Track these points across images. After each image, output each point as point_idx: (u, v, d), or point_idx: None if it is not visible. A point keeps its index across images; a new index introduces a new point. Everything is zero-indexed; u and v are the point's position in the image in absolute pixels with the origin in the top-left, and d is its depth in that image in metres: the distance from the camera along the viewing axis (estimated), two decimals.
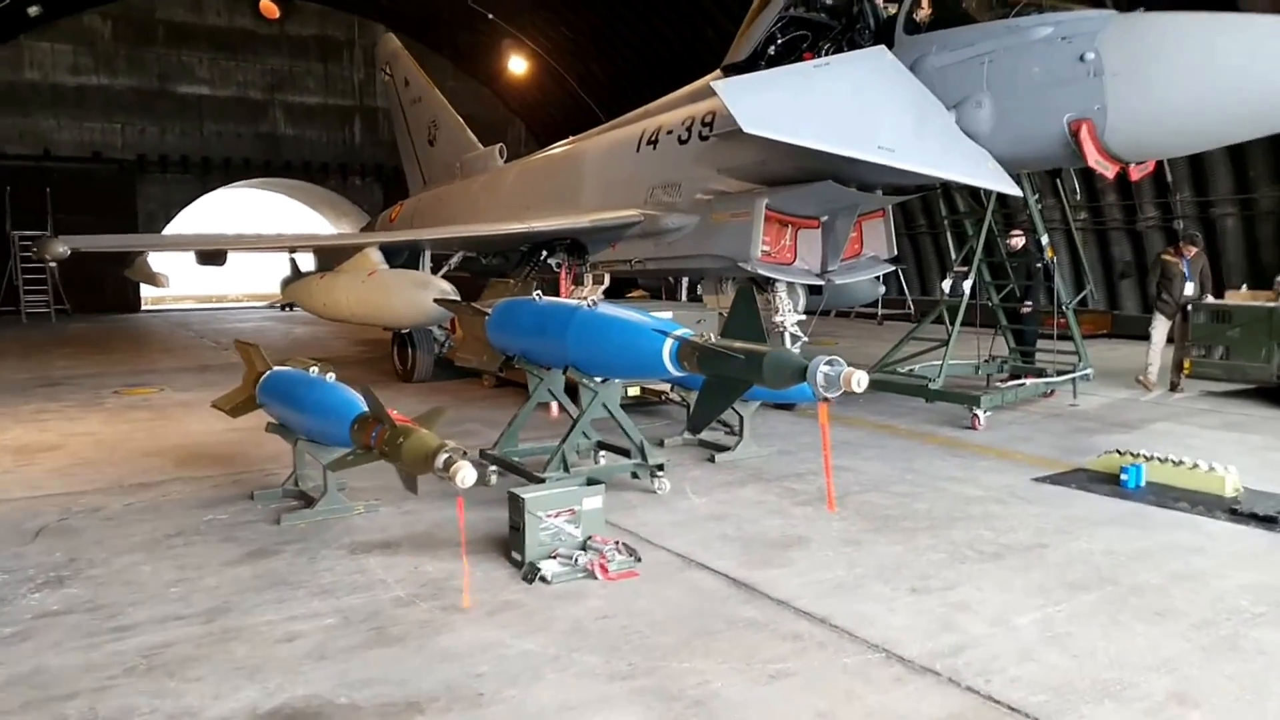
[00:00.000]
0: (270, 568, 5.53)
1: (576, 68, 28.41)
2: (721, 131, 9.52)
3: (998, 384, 10.67)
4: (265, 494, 6.95)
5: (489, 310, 7.77)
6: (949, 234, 11.47)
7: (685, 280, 12.96)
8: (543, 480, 6.55)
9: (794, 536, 6.02)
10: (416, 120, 18.11)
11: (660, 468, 7.01)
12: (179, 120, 28.66)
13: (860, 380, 4.61)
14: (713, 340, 5.48)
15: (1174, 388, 11.85)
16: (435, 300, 9.22)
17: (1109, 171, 7.36)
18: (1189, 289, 11.52)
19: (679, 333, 5.74)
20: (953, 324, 10.12)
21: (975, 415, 9.46)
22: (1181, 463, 7.12)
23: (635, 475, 7.10)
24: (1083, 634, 4.49)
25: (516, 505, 5.41)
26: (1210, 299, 11.56)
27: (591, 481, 5.72)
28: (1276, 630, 4.54)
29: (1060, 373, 10.85)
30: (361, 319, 11.72)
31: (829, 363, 4.78)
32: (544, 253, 11.79)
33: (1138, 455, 7.38)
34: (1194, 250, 11.57)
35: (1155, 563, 5.50)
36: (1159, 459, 7.24)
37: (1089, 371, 10.87)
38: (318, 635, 4.53)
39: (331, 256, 12.78)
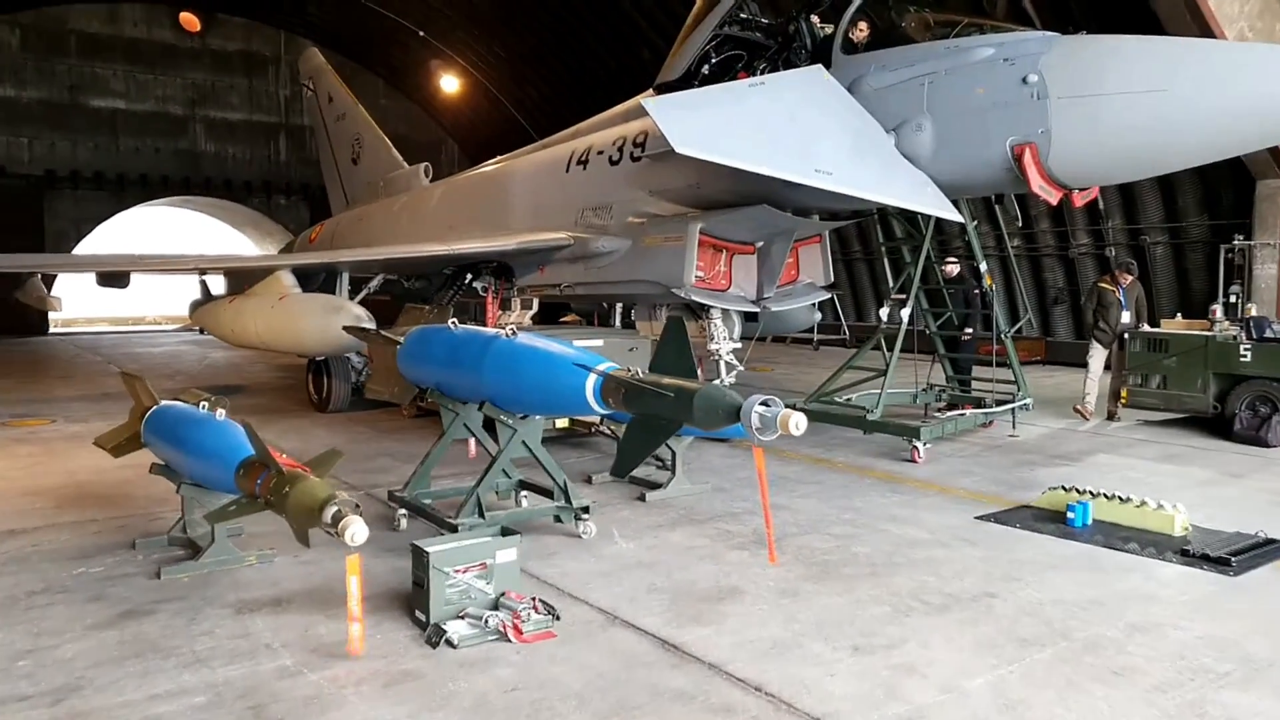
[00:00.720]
0: (140, 632, 4.88)
1: (511, 88, 27.95)
2: (654, 152, 9.12)
3: (936, 414, 10.40)
4: (148, 542, 6.28)
5: (400, 339, 7.22)
6: (886, 260, 11.20)
7: (619, 306, 12.51)
8: (455, 528, 5.99)
9: (728, 587, 5.56)
10: (340, 137, 17.42)
11: (585, 510, 6.51)
12: (92, 135, 27.41)
13: (798, 423, 4.18)
14: (640, 375, 5.01)
15: (1111, 417, 11.75)
16: (345, 328, 8.62)
17: (1052, 198, 7.11)
18: (1125, 317, 11.45)
19: (603, 367, 5.27)
20: (890, 352, 9.84)
21: (915, 448, 9.15)
22: (1129, 500, 6.85)
23: (558, 519, 6.58)
24: (1039, 700, 4.10)
25: (420, 560, 4.86)
26: (1146, 327, 11.49)
27: (507, 531, 5.20)
28: (1244, 693, 4.21)
29: (999, 402, 10.64)
30: (271, 346, 11.03)
31: (764, 402, 4.35)
32: (469, 276, 11.24)
33: (1083, 492, 7.10)
34: (1129, 278, 11.51)
35: (1109, 613, 5.16)
36: (1105, 496, 6.97)
37: (1028, 401, 10.68)
38: None
39: (242, 279, 12.07)
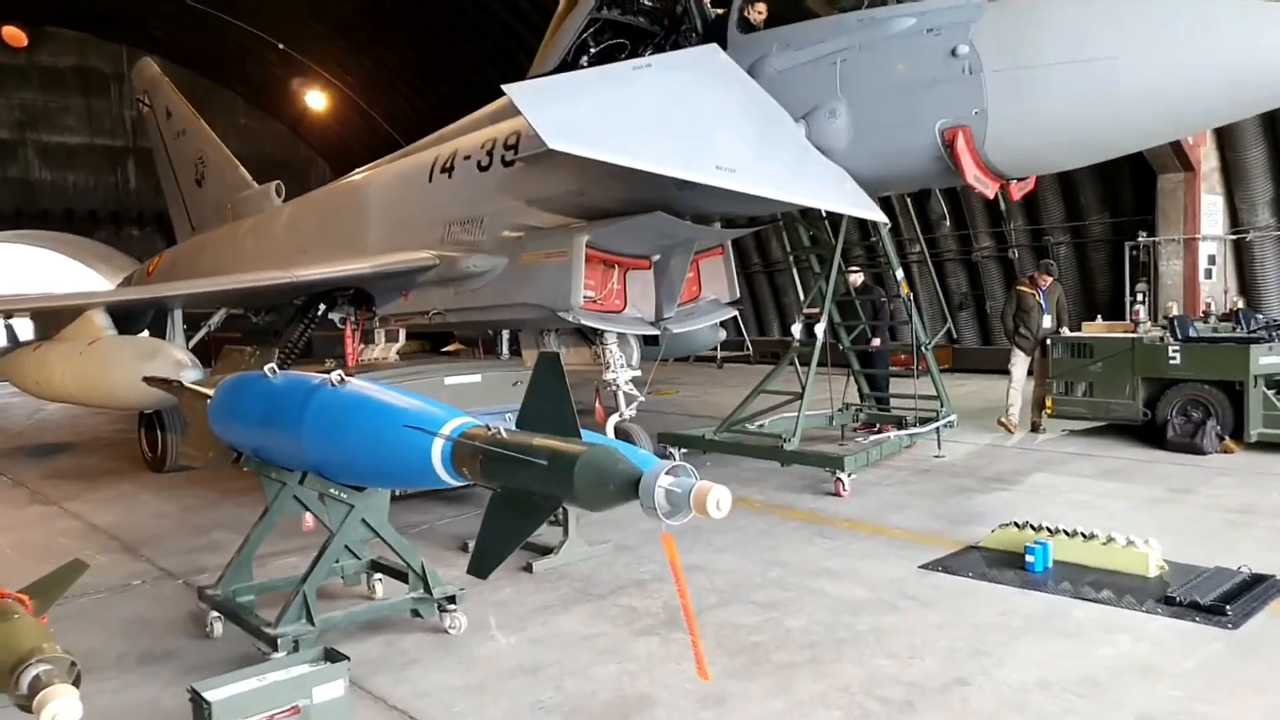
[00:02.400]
0: None
1: (384, 103, 26.24)
2: (528, 154, 7.86)
3: (857, 438, 9.39)
4: None
5: (210, 392, 5.75)
6: (795, 271, 10.18)
7: (505, 332, 11.14)
8: (274, 641, 4.56)
9: (636, 696, 4.30)
10: (181, 157, 15.55)
11: (451, 600, 5.15)
12: None
13: (720, 502, 2.97)
14: (503, 434, 3.72)
15: (1035, 428, 11.01)
16: (145, 378, 7.05)
17: (988, 190, 6.14)
18: (1046, 321, 10.73)
19: (453, 426, 3.95)
20: (806, 373, 8.79)
21: (839, 480, 8.09)
22: (1093, 537, 5.89)
23: (417, 613, 5.20)
24: None
25: (200, 710, 3.45)
26: (1067, 332, 10.79)
27: (332, 656, 3.82)
28: None
29: (923, 420, 9.72)
30: (81, 400, 9.29)
31: (672, 471, 3.12)
32: (322, 306, 9.72)
33: (1039, 529, 6.13)
34: (1049, 280, 10.80)
35: (1111, 701, 4.11)
36: (1066, 533, 6.00)
37: (952, 418, 9.81)
38: None
39: (52, 322, 10.22)
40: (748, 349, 20.59)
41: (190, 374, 7.71)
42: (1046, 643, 4.75)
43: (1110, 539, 5.81)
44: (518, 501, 3.63)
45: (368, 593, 5.87)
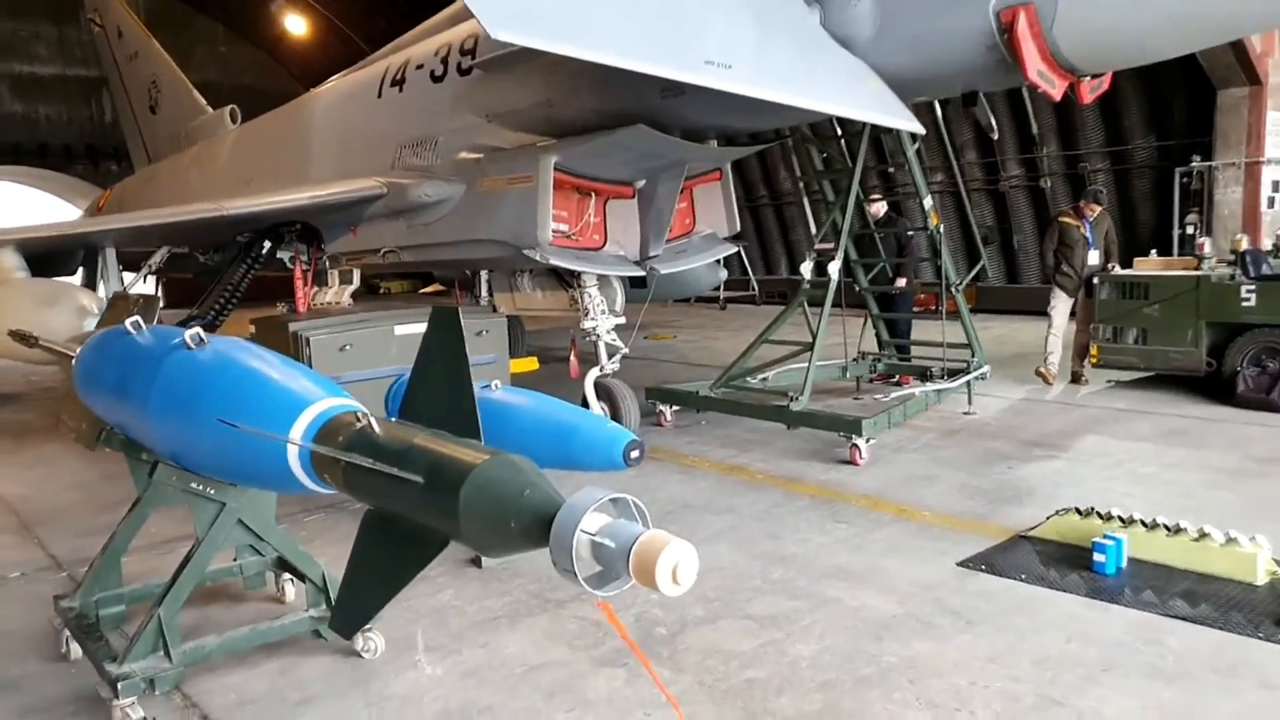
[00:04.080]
0: None
1: (365, 26, 24.55)
2: (486, 58, 6.53)
3: (875, 394, 8.17)
4: None
5: (70, 351, 4.57)
6: (805, 200, 8.86)
7: (484, 272, 9.90)
8: (116, 682, 3.44)
9: None
10: (134, 81, 14.15)
11: None
12: None
13: (682, 569, 1.77)
14: (374, 428, 2.52)
15: (1076, 379, 9.78)
16: (9, 332, 5.85)
17: (1055, 89, 4.80)
18: (1093, 258, 9.41)
19: (315, 413, 2.75)
20: (818, 320, 7.56)
21: (855, 447, 6.90)
22: (1180, 530, 4.70)
23: (319, 634, 4.07)
24: None
25: None
26: (1118, 269, 9.47)
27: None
28: None
29: (950, 373, 8.49)
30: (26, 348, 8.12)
31: (606, 509, 1.92)
32: (267, 243, 8.49)
33: (1108, 517, 4.94)
34: (1097, 210, 9.46)
35: None
36: (1143, 523, 4.81)
37: (985, 370, 8.57)
38: None
39: None
40: (753, 290, 19.28)
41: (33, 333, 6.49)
42: (1140, 688, 3.58)
43: (1203, 533, 4.62)
44: (395, 528, 2.45)
45: (276, 595, 4.76)
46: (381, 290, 24.38)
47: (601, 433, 4.70)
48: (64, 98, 25.43)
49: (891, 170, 14.29)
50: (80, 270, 9.65)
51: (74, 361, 4.52)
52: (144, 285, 13.73)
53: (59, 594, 4.34)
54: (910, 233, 10.55)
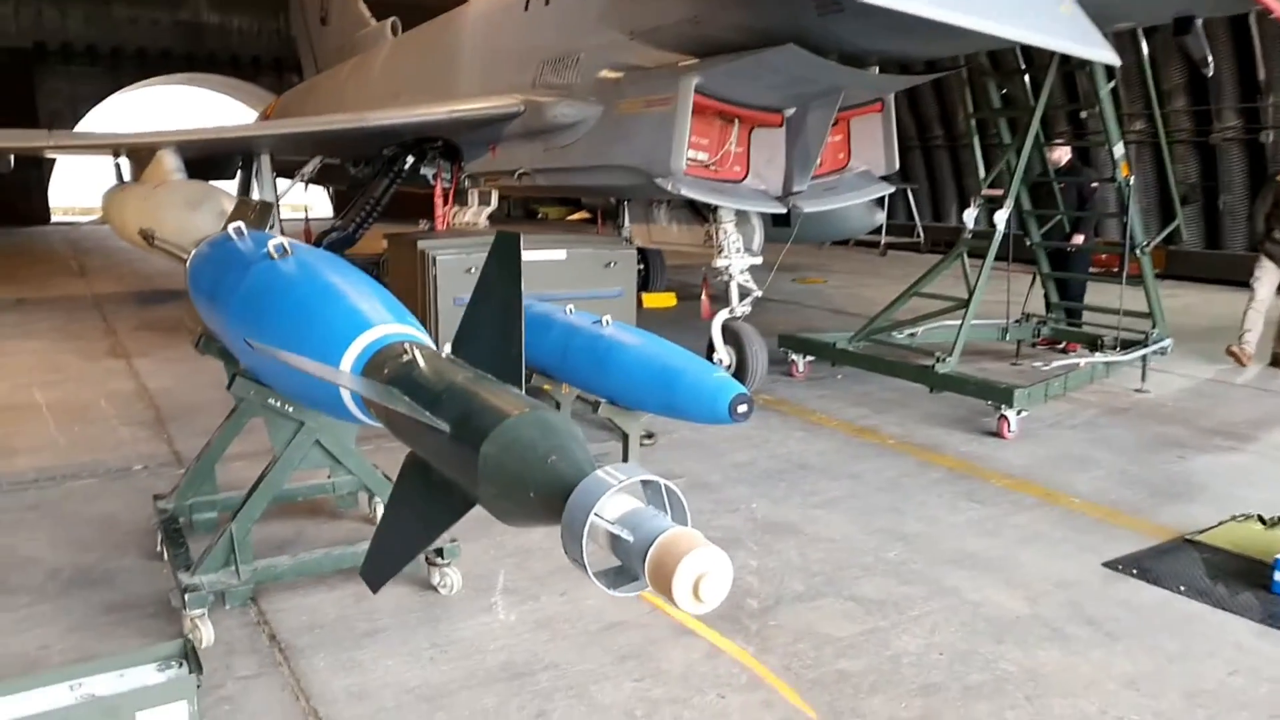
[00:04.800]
0: None
1: None
2: None
3: (1037, 364, 7.40)
4: None
5: (182, 254, 4.57)
6: (974, 140, 8.01)
7: (627, 202, 9.58)
8: (185, 593, 3.40)
9: None
10: None
11: (440, 553, 3.86)
12: (82, 2, 24.66)
13: (707, 584, 1.41)
14: (418, 360, 2.26)
15: (1276, 362, 8.61)
16: (140, 232, 5.97)
17: None
18: None
19: (366, 342, 2.52)
20: (977, 275, 6.86)
21: (1004, 418, 6.25)
22: None
23: None
24: None
25: None
26: None
27: (189, 657, 2.58)
28: None
29: (1125, 344, 7.61)
30: (145, 248, 8.51)
31: (634, 489, 1.57)
32: (410, 159, 8.45)
33: None
34: None
35: None
36: None
37: (1167, 343, 7.64)
38: None
39: (139, 163, 9.46)
40: (918, 236, 18.17)
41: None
42: None
43: None
44: (431, 477, 2.19)
45: (368, 515, 4.70)
46: (540, 215, 24.51)
47: (707, 381, 4.35)
48: (255, 10, 26.53)
49: (1083, 115, 13.00)
50: (239, 175, 9.97)
51: (187, 264, 4.52)
52: (303, 193, 14.19)
53: (158, 494, 4.40)
54: (1094, 184, 9.48)
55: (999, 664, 3.42)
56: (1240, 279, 9.30)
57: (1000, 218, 6.83)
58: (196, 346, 4.29)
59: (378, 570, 2.27)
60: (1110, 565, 4.30)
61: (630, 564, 1.48)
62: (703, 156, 6.45)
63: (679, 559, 1.37)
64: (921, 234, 18.21)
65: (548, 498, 1.69)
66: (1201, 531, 4.62)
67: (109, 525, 4.62)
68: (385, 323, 2.62)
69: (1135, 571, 4.22)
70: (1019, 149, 6.83)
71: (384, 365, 2.38)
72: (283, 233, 5.70)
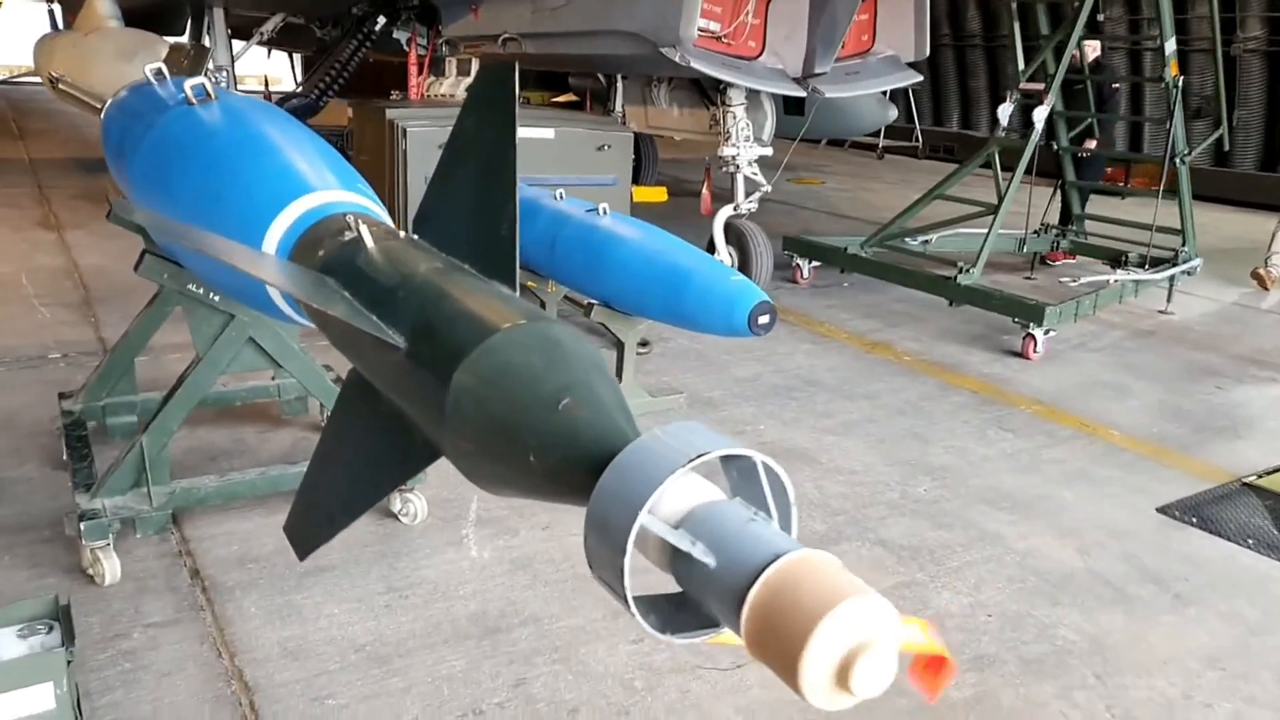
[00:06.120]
0: None
1: None
2: None
3: (1063, 279, 6.80)
4: None
5: (95, 102, 3.83)
6: (1014, 26, 7.20)
7: (619, 79, 8.70)
8: (82, 518, 2.77)
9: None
10: None
11: None
12: None
13: (871, 668, 0.80)
14: (367, 246, 1.59)
15: None
16: (49, 76, 5.14)
17: None
18: None
19: (295, 215, 1.83)
20: (1009, 179, 6.20)
21: (1030, 337, 5.69)
22: None
23: None
24: None
25: None
26: None
27: (62, 623, 1.97)
28: None
29: (1154, 261, 7.04)
30: (69, 100, 7.59)
31: (736, 468, 0.93)
32: (382, 19, 7.52)
33: None
34: None
35: None
36: None
37: (1196, 263, 7.10)
38: None
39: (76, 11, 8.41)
40: (917, 139, 17.30)
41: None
42: None
43: None
44: (375, 408, 1.54)
45: (319, 422, 4.06)
46: (521, 98, 23.25)
47: (723, 286, 3.69)
48: None
49: (1101, 17, 12.10)
50: (187, 32, 8.96)
51: (101, 115, 3.76)
52: (264, 60, 13.05)
53: (64, 391, 3.72)
54: (1115, 85, 8.74)
55: (1058, 631, 2.91)
56: (1250, 200, 8.71)
57: (1039, 115, 6.13)
58: (108, 217, 3.55)
59: (306, 530, 1.65)
60: (1165, 511, 3.79)
61: (705, 600, 0.87)
62: (714, 26, 5.65)
63: (815, 618, 0.75)
64: (920, 138, 17.34)
65: (557, 467, 1.06)
66: (1262, 475, 4.13)
67: (8, 424, 3.95)
68: (326, 188, 1.93)
69: (1195, 520, 3.72)
70: (1064, 41, 6.07)
71: (318, 246, 1.71)
72: None
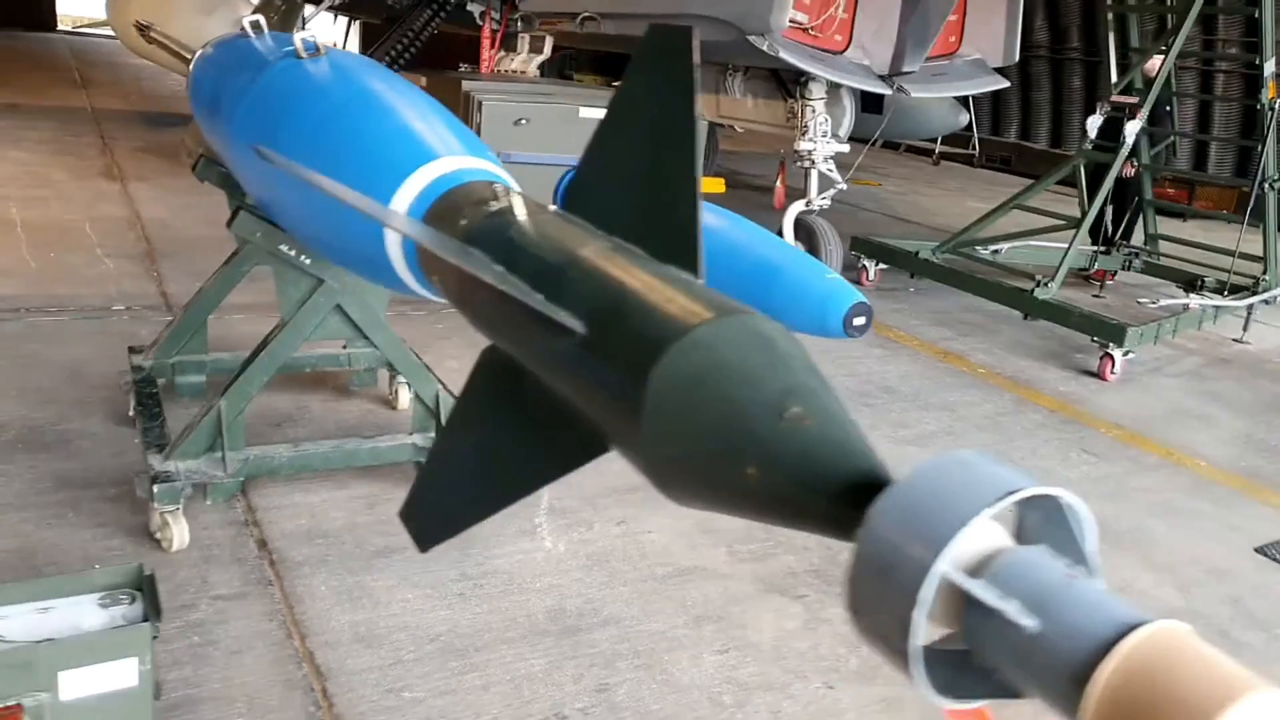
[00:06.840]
0: None
1: None
2: None
3: (1141, 300, 6.57)
4: None
5: (186, 54, 3.73)
6: (1109, 33, 6.94)
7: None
8: (152, 480, 2.67)
9: None
10: None
11: None
12: None
13: None
14: (520, 218, 1.45)
15: None
16: (136, 24, 5.05)
17: None
18: None
19: (428, 178, 1.70)
20: (1095, 194, 5.98)
21: (1108, 358, 5.48)
22: None
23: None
24: None
25: None
26: None
27: (147, 593, 1.87)
28: None
29: (1234, 289, 6.79)
30: (151, 56, 7.53)
31: (1044, 512, 0.78)
32: None
33: None
34: None
35: None
36: None
37: (1277, 292, 6.83)
38: None
39: None
40: (974, 148, 16.98)
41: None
42: None
43: None
44: (518, 392, 1.41)
45: (388, 399, 3.96)
46: (575, 79, 23.13)
47: (816, 284, 3.48)
48: None
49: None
50: None
51: (190, 67, 3.64)
52: (330, 25, 13.02)
53: (134, 346, 3.64)
54: (1168, 107, 8.42)
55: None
56: None
57: (1131, 130, 5.90)
58: (194, 171, 3.45)
59: (428, 522, 1.52)
60: (1263, 552, 3.60)
61: (1013, 669, 0.72)
62: (803, 18, 5.47)
63: (1206, 715, 0.60)
64: (978, 146, 17.02)
65: (787, 484, 0.92)
66: None
67: (75, 375, 3.87)
68: (455, 154, 1.80)
69: None
70: (1167, 47, 5.84)
71: (458, 215, 1.58)
72: None
